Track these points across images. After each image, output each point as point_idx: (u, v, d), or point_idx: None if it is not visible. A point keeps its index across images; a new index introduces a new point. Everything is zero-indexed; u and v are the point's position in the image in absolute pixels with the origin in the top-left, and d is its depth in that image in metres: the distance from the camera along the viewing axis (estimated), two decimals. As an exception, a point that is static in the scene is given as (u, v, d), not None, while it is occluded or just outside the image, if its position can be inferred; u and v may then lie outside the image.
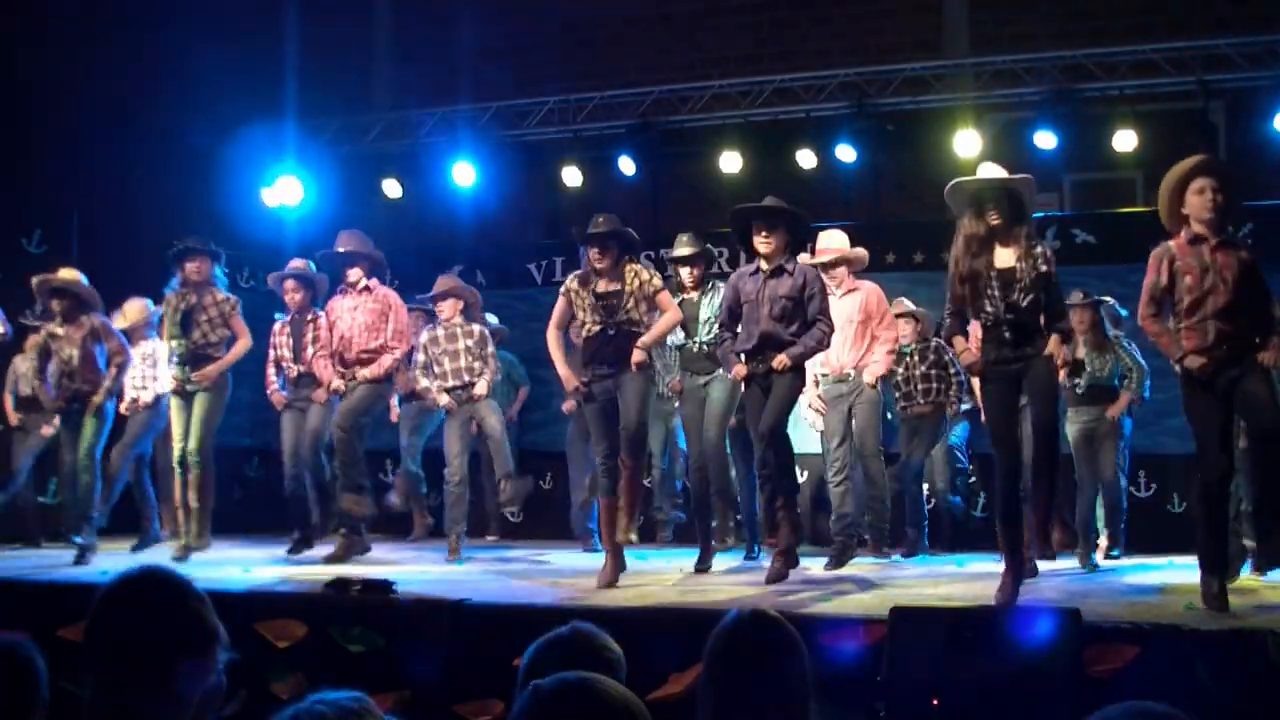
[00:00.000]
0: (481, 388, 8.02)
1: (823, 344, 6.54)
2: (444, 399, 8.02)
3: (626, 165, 10.81)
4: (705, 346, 7.37)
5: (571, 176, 11.20)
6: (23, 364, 9.20)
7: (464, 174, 11.22)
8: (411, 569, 7.54)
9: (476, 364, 8.04)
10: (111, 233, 12.81)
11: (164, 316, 7.88)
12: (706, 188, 11.40)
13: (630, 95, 10.97)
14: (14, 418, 9.22)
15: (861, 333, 7.41)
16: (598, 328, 6.48)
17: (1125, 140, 9.76)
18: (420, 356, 8.19)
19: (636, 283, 6.48)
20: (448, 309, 8.22)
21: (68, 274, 8.02)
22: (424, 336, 8.16)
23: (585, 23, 12.26)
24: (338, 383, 7.61)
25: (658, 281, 6.58)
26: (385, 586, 6.18)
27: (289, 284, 8.29)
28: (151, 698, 2.24)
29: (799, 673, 2.58)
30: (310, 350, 8.10)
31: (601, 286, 6.50)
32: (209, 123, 12.99)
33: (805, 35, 11.58)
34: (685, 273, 7.55)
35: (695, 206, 11.74)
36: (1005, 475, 5.64)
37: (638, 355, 6.38)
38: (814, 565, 7.46)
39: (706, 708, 2.56)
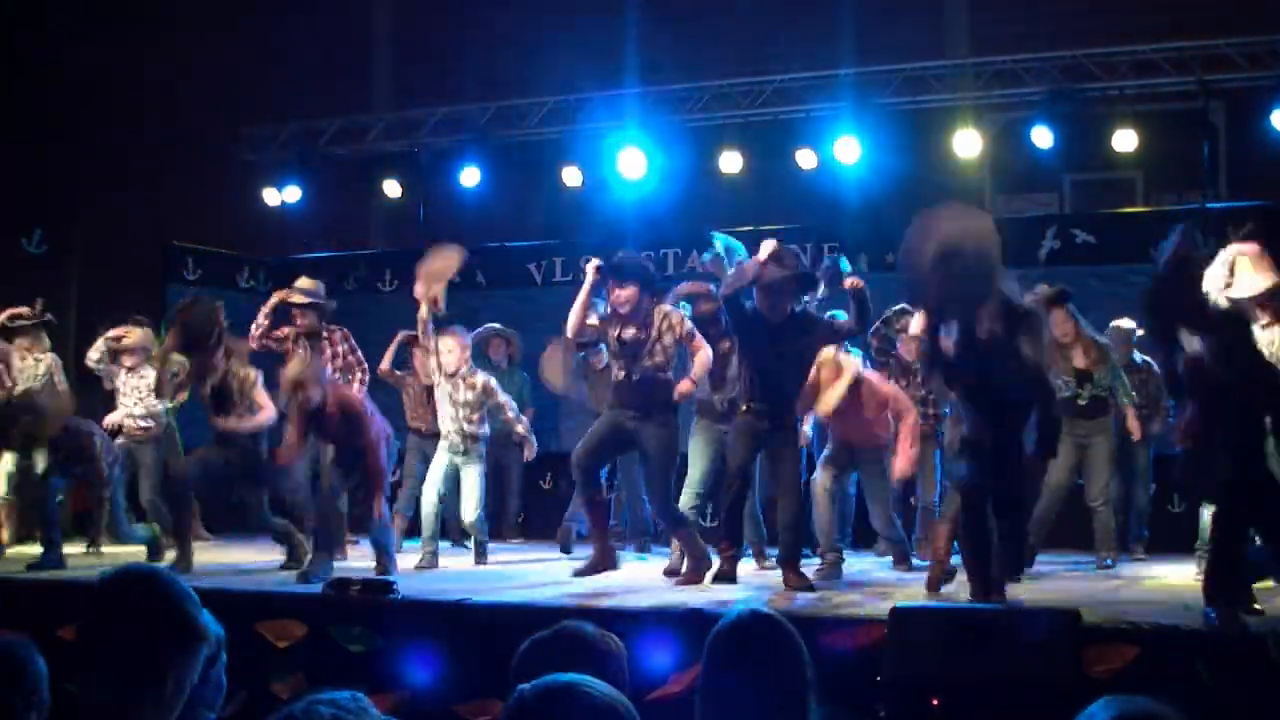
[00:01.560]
0: (474, 459, 7.94)
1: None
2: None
3: (626, 165, 10.81)
4: (727, 404, 7.38)
5: (571, 176, 11.19)
6: None
7: (465, 175, 11.22)
8: (411, 569, 7.55)
9: (475, 415, 7.90)
10: (111, 233, 12.82)
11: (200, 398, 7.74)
12: (706, 188, 11.38)
13: (630, 95, 10.96)
14: None
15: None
16: (622, 374, 6.52)
17: (1125, 140, 9.74)
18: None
19: (665, 325, 6.47)
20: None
21: None
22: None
23: (585, 23, 12.25)
24: None
25: (689, 324, 6.59)
26: (385, 586, 6.19)
27: (295, 309, 8.19)
28: (143, 694, 2.25)
29: (797, 672, 2.58)
30: None
31: (627, 333, 6.50)
32: (209, 123, 13.00)
33: (805, 35, 11.56)
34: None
35: (695, 206, 11.73)
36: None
37: (682, 392, 6.47)
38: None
39: (706, 707, 2.56)
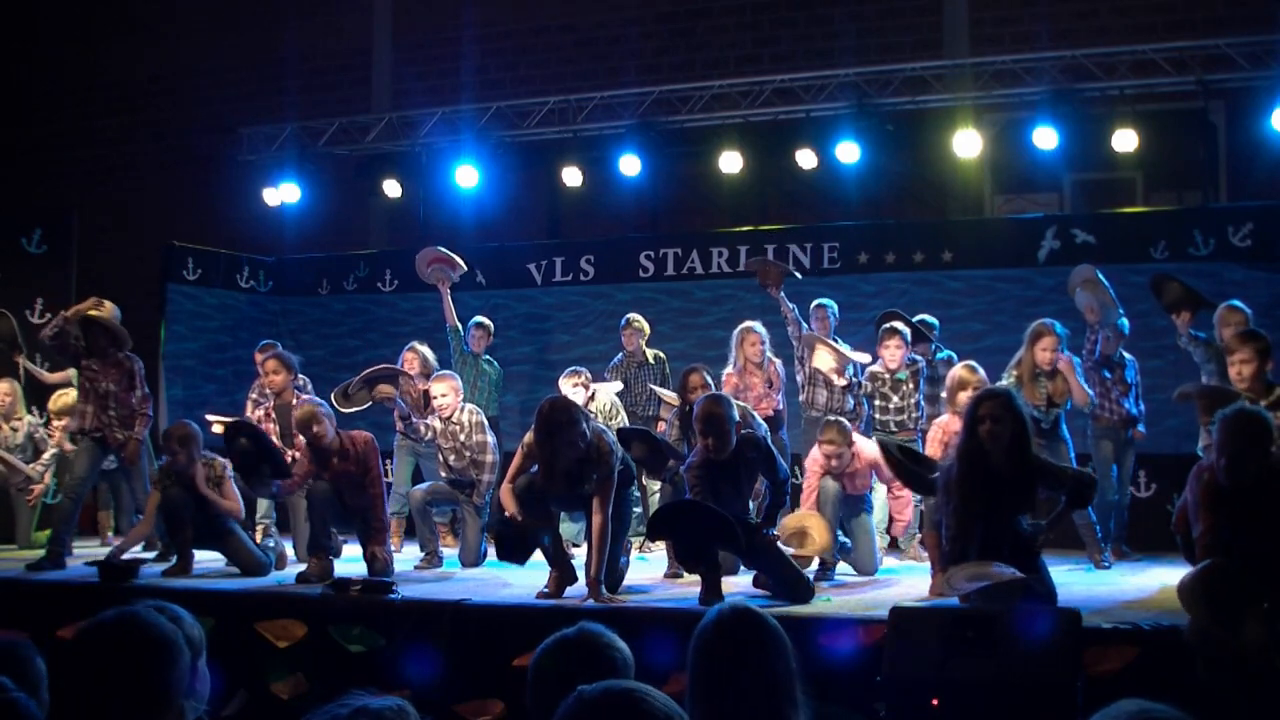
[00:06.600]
0: (476, 498, 7.90)
1: None
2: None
3: (627, 165, 10.80)
4: None
5: (571, 176, 11.19)
6: None
7: (465, 175, 11.21)
8: (411, 569, 7.55)
9: (478, 458, 7.90)
10: (111, 233, 12.82)
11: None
12: (706, 188, 11.38)
13: (630, 95, 10.96)
14: None
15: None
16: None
17: (1125, 140, 9.74)
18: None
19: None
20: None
21: (108, 310, 8.18)
22: (436, 423, 7.99)
23: (585, 23, 12.26)
24: None
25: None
26: (385, 586, 6.19)
27: (271, 364, 8.14)
28: None
29: (783, 666, 2.58)
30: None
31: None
32: (209, 123, 13.00)
33: (805, 35, 11.57)
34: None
35: (695, 206, 11.74)
36: None
37: None
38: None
39: (696, 708, 2.56)
